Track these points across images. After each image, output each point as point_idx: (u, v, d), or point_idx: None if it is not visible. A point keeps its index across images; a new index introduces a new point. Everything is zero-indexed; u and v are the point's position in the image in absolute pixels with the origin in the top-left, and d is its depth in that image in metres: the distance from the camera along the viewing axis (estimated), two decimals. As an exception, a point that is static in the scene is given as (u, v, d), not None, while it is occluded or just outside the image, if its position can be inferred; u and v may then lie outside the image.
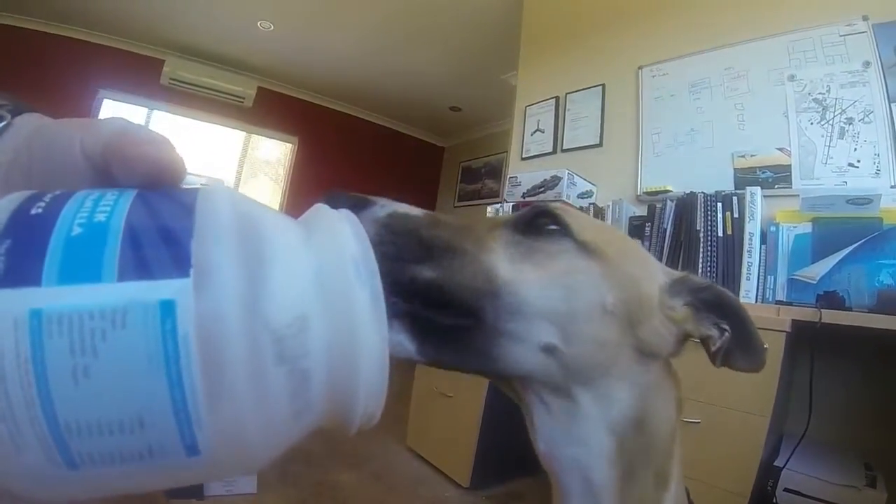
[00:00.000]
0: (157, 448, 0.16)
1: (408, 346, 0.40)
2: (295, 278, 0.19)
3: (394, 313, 0.39)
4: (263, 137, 5.46)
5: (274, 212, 0.21)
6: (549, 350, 0.42)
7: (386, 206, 0.42)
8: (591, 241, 0.46)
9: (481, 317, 0.41)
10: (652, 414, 0.45)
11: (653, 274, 0.49)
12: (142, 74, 4.57)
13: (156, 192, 0.20)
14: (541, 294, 0.42)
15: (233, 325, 0.16)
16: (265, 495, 1.84)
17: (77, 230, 0.16)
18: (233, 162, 5.36)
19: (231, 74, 4.93)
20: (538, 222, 0.47)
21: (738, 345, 0.47)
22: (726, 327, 0.47)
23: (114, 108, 4.52)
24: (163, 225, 0.17)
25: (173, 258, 0.16)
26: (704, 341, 0.48)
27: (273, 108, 5.21)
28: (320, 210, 0.24)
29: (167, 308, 0.16)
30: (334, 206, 0.41)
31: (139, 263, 0.16)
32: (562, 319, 0.42)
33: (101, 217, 0.17)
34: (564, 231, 0.46)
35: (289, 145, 5.50)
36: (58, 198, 0.18)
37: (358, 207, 0.40)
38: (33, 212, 0.17)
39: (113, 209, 0.18)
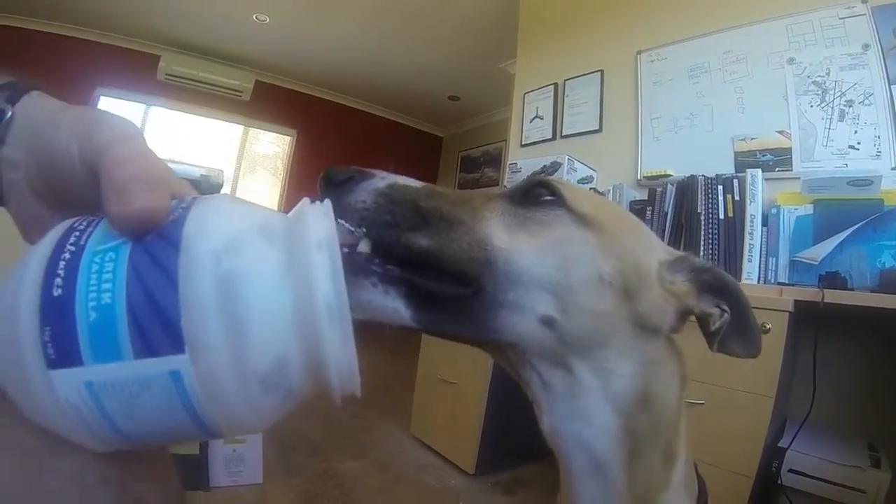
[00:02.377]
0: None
1: (403, 313, 0.40)
2: (272, 328, 0.24)
3: (389, 280, 0.39)
4: (262, 131, 5.46)
5: (260, 232, 0.26)
6: (547, 322, 0.41)
7: (386, 178, 0.43)
8: (586, 212, 0.46)
9: (481, 285, 0.41)
10: (656, 391, 0.45)
11: (651, 247, 0.49)
12: (138, 71, 4.56)
13: (142, 257, 0.24)
14: (536, 262, 0.42)
15: (225, 378, 0.23)
16: (270, 485, 1.85)
17: (92, 315, 0.22)
18: (231, 156, 5.36)
19: (228, 68, 4.92)
20: (534, 193, 0.47)
21: (736, 329, 0.47)
22: (726, 308, 0.47)
23: (111, 106, 4.49)
24: (154, 304, 0.23)
25: (170, 338, 0.22)
26: (703, 319, 0.48)
27: (271, 101, 5.21)
28: (302, 224, 0.26)
29: (176, 376, 0.23)
30: (337, 178, 0.42)
31: (147, 344, 0.22)
32: (558, 289, 0.41)
33: (106, 298, 0.22)
34: (560, 201, 0.46)
35: (287, 138, 5.50)
36: (70, 266, 0.23)
37: (358, 180, 0.42)
38: (56, 293, 0.22)
39: (113, 285, 0.23)
